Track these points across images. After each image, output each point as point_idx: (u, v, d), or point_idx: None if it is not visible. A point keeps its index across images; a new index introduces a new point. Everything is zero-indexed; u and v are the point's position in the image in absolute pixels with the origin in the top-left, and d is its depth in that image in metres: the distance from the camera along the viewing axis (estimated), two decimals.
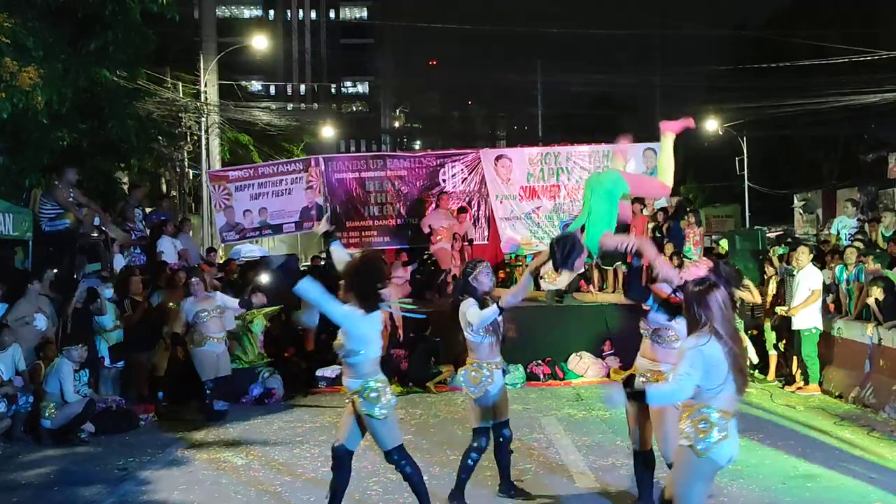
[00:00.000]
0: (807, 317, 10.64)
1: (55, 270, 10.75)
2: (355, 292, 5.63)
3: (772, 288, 11.83)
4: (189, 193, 28.47)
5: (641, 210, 14.08)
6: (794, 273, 10.99)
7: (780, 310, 11.13)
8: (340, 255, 6.23)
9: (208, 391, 10.09)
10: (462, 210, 15.21)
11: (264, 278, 12.69)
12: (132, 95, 14.68)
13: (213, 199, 16.53)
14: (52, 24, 11.90)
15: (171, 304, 11.25)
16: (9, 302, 9.97)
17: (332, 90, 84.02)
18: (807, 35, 28.18)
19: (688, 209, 14.33)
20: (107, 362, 10.64)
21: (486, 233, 15.72)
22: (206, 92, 23.36)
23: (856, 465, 7.31)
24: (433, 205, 15.33)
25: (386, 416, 5.69)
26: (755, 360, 11.79)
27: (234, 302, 10.62)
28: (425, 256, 15.67)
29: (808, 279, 10.73)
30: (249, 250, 23.24)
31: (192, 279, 10.47)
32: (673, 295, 5.71)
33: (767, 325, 11.61)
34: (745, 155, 36.55)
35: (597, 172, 12.87)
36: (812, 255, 11.10)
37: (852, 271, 10.79)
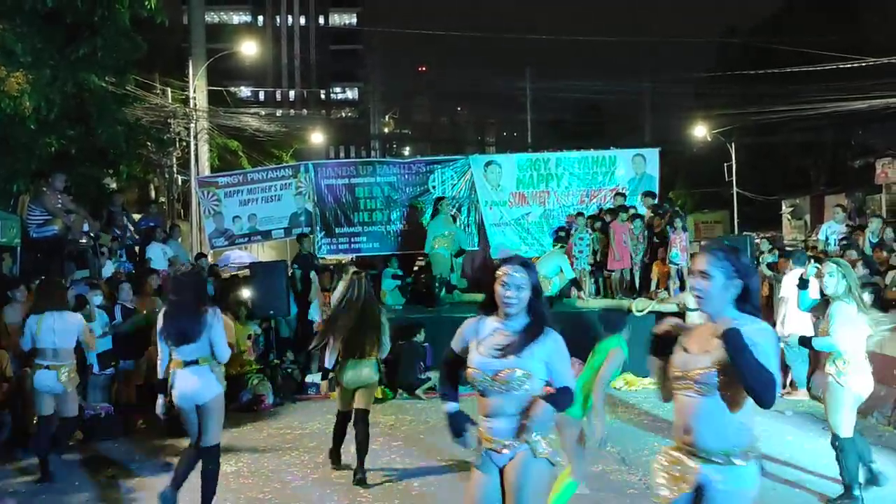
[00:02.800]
0: (793, 324, 10.63)
1: (43, 278, 10.68)
2: None
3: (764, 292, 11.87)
4: (178, 199, 28.38)
5: (627, 217, 14.15)
6: (781, 280, 11.03)
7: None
8: None
9: None
10: None
11: (245, 293, 12.67)
12: (121, 101, 14.65)
13: (202, 205, 16.50)
14: (40, 30, 11.88)
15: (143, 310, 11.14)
16: None
17: (322, 96, 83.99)
18: (794, 42, 28.30)
19: (674, 214, 14.35)
20: (95, 369, 10.58)
21: (475, 239, 15.72)
22: (194, 98, 23.28)
23: None
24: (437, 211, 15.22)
25: None
26: None
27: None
28: (416, 268, 15.68)
29: (785, 286, 10.78)
30: (238, 256, 23.19)
31: None
32: None
33: None
34: (734, 161, 36.67)
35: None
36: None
37: None
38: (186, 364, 6.17)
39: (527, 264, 4.10)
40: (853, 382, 6.15)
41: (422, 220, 15.43)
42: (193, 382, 6.16)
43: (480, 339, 4.08)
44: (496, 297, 4.04)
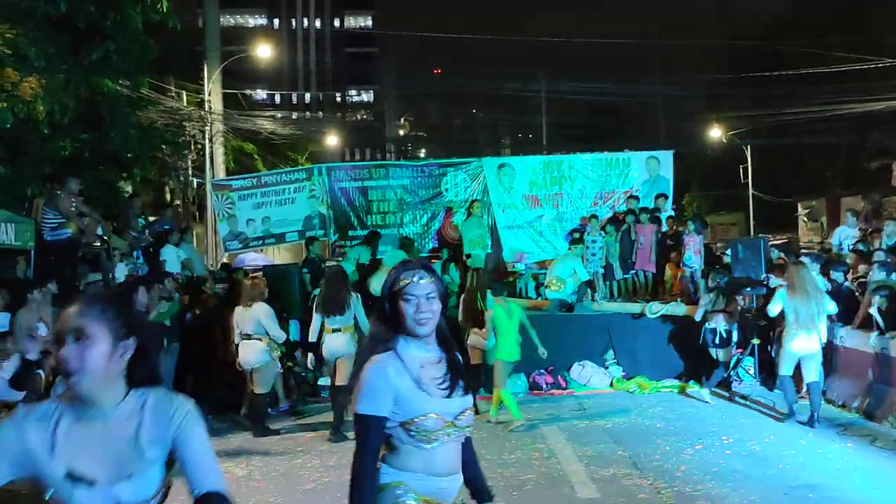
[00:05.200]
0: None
1: (56, 282, 10.72)
2: None
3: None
4: (193, 202, 28.53)
5: (648, 219, 14.16)
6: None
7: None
8: None
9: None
10: None
11: None
12: (134, 105, 14.72)
13: (216, 208, 16.56)
14: (53, 35, 11.96)
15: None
16: (11, 312, 9.95)
17: (337, 99, 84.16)
18: (809, 43, 28.17)
19: (687, 217, 14.35)
20: None
21: (487, 241, 15.68)
22: (209, 101, 23.39)
23: (858, 475, 7.27)
24: (470, 213, 15.23)
25: None
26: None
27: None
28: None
29: None
30: (253, 259, 23.29)
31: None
32: None
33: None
34: (749, 163, 36.51)
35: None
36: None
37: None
38: (334, 331, 9.33)
39: (430, 269, 3.04)
40: (791, 344, 9.19)
41: (455, 221, 15.63)
42: (338, 343, 9.28)
43: (415, 378, 2.91)
44: (401, 317, 2.93)
